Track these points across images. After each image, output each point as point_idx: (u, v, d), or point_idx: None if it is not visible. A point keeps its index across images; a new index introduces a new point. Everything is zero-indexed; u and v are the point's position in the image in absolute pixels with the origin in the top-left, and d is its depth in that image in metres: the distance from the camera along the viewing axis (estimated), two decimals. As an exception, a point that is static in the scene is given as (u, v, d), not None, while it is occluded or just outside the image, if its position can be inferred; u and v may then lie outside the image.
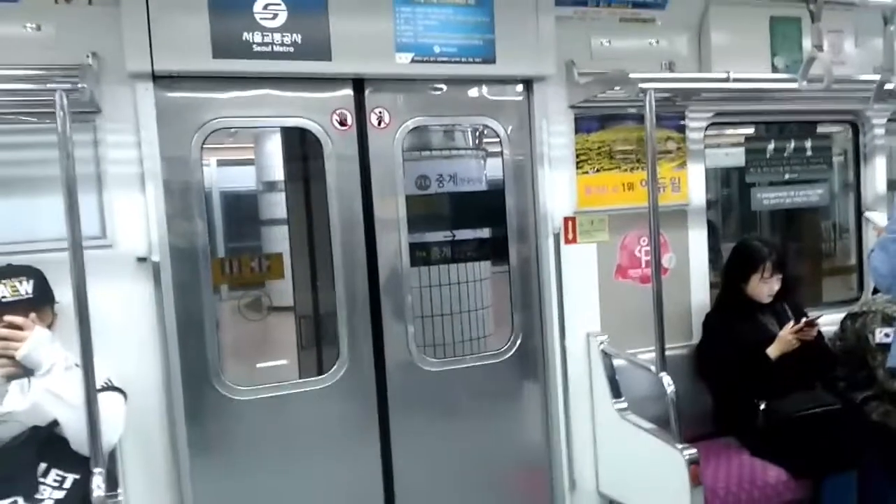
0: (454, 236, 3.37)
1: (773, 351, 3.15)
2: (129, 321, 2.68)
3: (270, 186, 5.70)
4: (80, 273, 2.09)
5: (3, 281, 2.28)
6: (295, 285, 3.52)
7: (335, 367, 2.98)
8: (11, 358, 2.15)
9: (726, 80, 3.09)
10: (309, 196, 3.44)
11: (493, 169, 3.35)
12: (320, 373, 3.05)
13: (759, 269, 3.28)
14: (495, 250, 3.48)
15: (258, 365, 4.12)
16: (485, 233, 3.48)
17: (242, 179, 6.41)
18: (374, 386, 3.06)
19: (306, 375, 3.22)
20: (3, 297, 2.26)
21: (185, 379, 2.74)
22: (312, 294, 3.50)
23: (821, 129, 4.07)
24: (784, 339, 3.15)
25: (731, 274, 3.43)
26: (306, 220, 3.48)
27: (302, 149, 3.43)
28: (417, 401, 3.12)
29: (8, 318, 2.18)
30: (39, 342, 2.17)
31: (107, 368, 2.38)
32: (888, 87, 2.50)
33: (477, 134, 3.56)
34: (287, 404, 2.91)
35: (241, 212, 6.42)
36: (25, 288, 2.30)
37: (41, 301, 2.34)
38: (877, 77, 3.00)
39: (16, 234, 2.52)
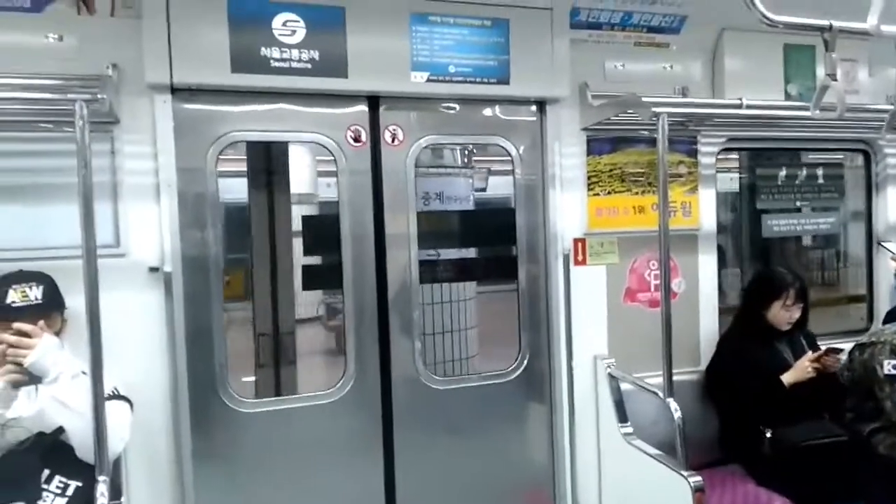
0: (438, 255, 3.30)
1: (788, 378, 3.13)
2: (138, 330, 2.69)
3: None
4: (93, 281, 2.11)
5: (14, 286, 2.31)
6: (255, 301, 3.48)
7: (341, 381, 2.98)
8: (19, 364, 2.16)
9: (739, 106, 3.11)
10: (273, 210, 3.45)
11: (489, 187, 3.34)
12: (278, 394, 3.02)
13: (782, 296, 3.28)
14: (484, 270, 3.47)
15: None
16: (470, 252, 3.43)
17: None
18: (379, 401, 3.05)
19: (263, 395, 3.26)
20: (13, 302, 2.28)
21: (191, 389, 2.75)
22: (273, 311, 3.48)
23: (831, 157, 4.07)
24: (801, 368, 3.14)
25: (752, 299, 3.43)
26: (269, 235, 3.48)
27: (267, 162, 3.45)
28: (422, 418, 3.12)
29: (17, 325, 2.19)
30: (47, 350, 2.18)
31: (113, 377, 2.39)
32: None
33: (466, 153, 3.58)
34: (292, 417, 2.91)
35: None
36: (35, 294, 2.32)
37: (50, 307, 2.36)
38: (890, 106, 3.00)
39: (31, 240, 2.55)
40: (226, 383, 2.82)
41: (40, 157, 2.59)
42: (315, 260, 3.16)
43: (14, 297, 2.29)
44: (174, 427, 2.73)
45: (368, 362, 3.03)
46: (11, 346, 2.16)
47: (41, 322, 2.26)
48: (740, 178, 4.07)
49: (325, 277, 3.20)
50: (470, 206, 3.65)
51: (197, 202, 2.77)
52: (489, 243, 3.45)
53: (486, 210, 3.60)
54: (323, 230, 3.08)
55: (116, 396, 2.37)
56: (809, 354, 3.19)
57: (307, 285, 3.23)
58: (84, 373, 2.25)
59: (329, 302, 3.72)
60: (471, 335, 3.64)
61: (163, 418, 2.72)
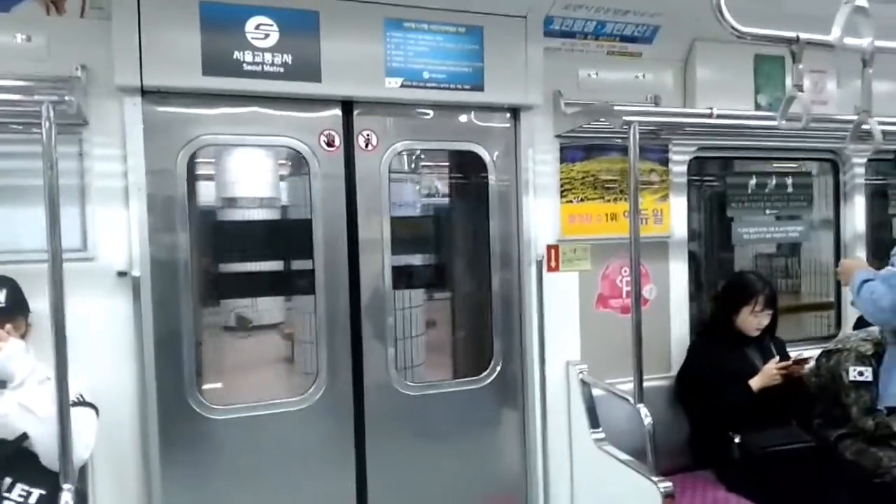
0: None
1: (755, 382, 3.17)
2: (106, 335, 2.66)
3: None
4: (59, 285, 2.07)
5: None
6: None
7: (313, 388, 2.96)
8: None
9: (710, 115, 3.14)
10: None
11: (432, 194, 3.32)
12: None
13: (751, 302, 3.31)
14: (431, 278, 3.43)
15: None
16: (416, 259, 3.43)
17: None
18: (351, 408, 3.04)
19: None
20: None
21: (160, 395, 2.72)
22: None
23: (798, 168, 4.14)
24: (768, 373, 3.17)
25: (722, 304, 3.46)
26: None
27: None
28: (395, 424, 3.11)
29: None
30: (13, 354, 2.15)
31: (79, 383, 2.35)
32: (864, 127, 2.55)
33: (413, 158, 3.58)
34: (263, 424, 2.89)
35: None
36: None
37: (13, 311, 2.33)
38: (856, 117, 3.06)
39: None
40: (194, 389, 2.79)
41: (7, 158, 2.55)
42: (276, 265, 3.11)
43: None
44: (142, 434, 2.70)
45: (340, 368, 3.01)
46: None
47: (8, 326, 2.22)
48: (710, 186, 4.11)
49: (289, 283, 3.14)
50: (416, 212, 3.64)
51: (166, 206, 2.73)
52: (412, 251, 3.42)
53: (411, 217, 3.57)
54: (283, 235, 3.06)
55: (82, 403, 2.34)
56: (774, 361, 3.22)
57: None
58: (49, 378, 2.21)
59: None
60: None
61: (130, 425, 2.68)
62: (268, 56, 2.73)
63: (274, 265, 3.22)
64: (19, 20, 2.54)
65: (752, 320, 3.34)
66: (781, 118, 2.40)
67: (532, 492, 3.34)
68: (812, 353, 3.44)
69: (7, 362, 2.14)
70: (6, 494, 2.12)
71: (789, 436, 3.20)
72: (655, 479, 2.67)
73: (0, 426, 2.13)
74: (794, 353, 3.40)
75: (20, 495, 2.14)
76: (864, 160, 4.02)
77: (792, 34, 2.14)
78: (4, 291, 2.31)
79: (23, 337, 2.32)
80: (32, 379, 2.17)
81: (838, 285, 4.15)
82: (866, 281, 2.75)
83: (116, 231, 2.67)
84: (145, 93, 2.65)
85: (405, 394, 3.12)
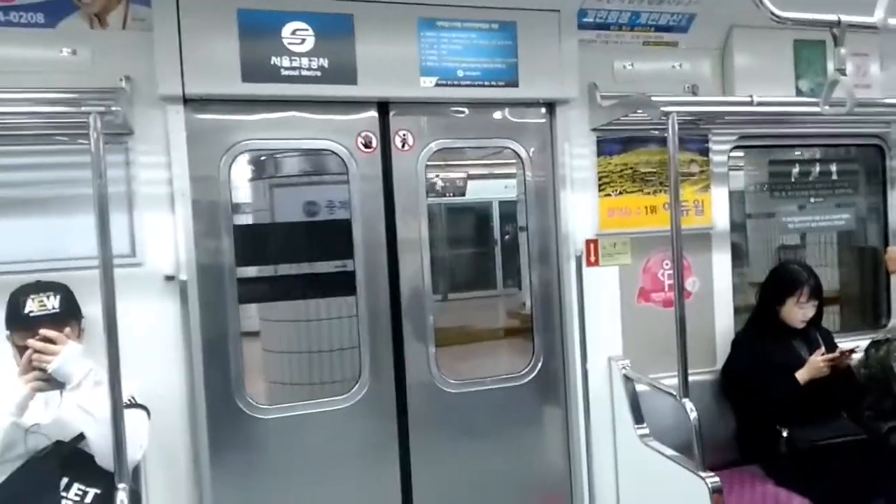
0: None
1: (802, 375, 3.10)
2: (155, 338, 2.72)
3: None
4: (110, 291, 2.13)
5: (32, 296, 2.33)
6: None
7: (356, 386, 3.00)
8: (44, 370, 2.19)
9: (750, 103, 3.08)
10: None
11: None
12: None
13: (796, 293, 3.23)
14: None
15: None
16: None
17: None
18: (394, 406, 3.07)
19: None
20: (31, 311, 2.31)
21: (208, 396, 2.78)
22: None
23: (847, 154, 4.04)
24: (815, 365, 3.10)
25: (766, 296, 3.38)
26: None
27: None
28: (437, 422, 3.12)
29: (43, 331, 2.22)
30: (71, 356, 2.21)
31: (130, 385, 2.41)
32: None
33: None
34: (309, 423, 2.93)
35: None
36: (52, 303, 2.34)
37: (68, 316, 2.38)
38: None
39: (49, 251, 2.59)
40: (242, 389, 2.85)
41: (56, 169, 2.63)
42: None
43: (32, 306, 2.32)
44: (192, 434, 2.76)
45: (382, 367, 3.04)
46: (37, 351, 2.18)
47: (67, 329, 2.29)
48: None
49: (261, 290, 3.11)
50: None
51: (211, 210, 2.79)
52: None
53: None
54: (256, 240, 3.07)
55: (134, 405, 2.40)
56: (822, 351, 3.15)
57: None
58: (103, 381, 2.27)
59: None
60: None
61: (180, 426, 2.75)
62: (304, 60, 2.77)
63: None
64: (64, 35, 2.62)
65: (798, 312, 3.26)
66: (824, 103, 2.35)
67: (577, 488, 3.32)
68: (860, 343, 3.36)
69: (66, 365, 2.19)
70: (63, 494, 2.17)
71: (839, 429, 3.14)
72: (703, 474, 2.64)
73: (58, 427, 2.20)
74: (841, 343, 3.33)
75: (76, 494, 2.19)
76: (912, 144, 3.91)
77: (833, 17, 2.10)
78: (59, 297, 2.37)
79: (78, 340, 2.39)
80: (88, 381, 2.23)
81: (887, 273, 4.05)
82: None
83: (163, 236, 2.73)
84: (187, 101, 2.71)
85: (447, 391, 3.14)
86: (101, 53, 2.64)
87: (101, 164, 2.12)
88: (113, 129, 2.46)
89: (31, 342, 2.19)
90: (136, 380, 2.45)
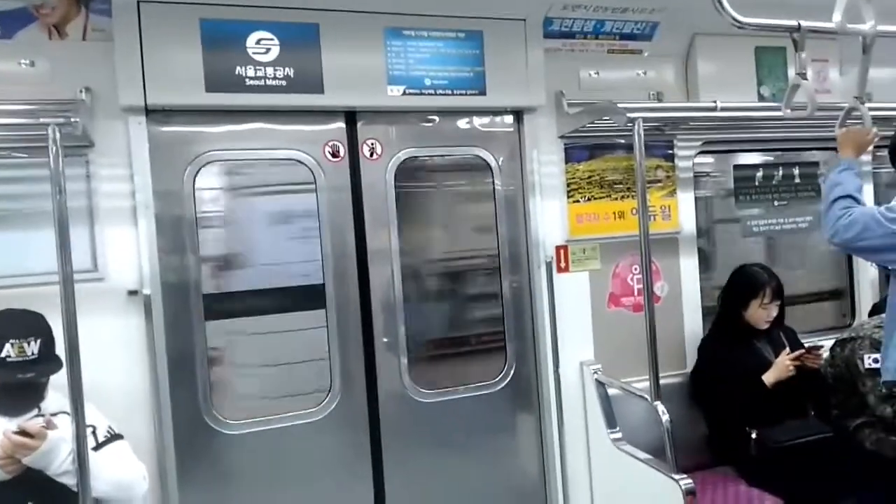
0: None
1: (769, 377, 3.13)
2: (118, 354, 2.66)
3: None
4: (71, 306, 2.08)
5: (12, 341, 2.21)
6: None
7: (326, 399, 2.96)
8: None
9: (713, 108, 3.14)
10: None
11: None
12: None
13: (759, 294, 3.27)
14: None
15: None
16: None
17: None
18: (366, 418, 3.04)
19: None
20: (8, 356, 2.20)
21: (175, 413, 2.72)
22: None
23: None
24: (781, 366, 3.14)
25: (729, 299, 3.42)
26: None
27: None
28: (410, 432, 3.10)
29: (22, 424, 2.10)
30: (50, 450, 2.10)
31: (103, 416, 2.38)
32: (855, 113, 2.55)
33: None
34: (279, 438, 2.88)
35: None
36: (32, 349, 2.23)
37: (45, 363, 2.27)
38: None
39: (8, 266, 2.52)
40: (210, 405, 2.79)
41: (16, 183, 2.57)
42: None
43: (10, 351, 2.20)
44: (158, 453, 2.70)
45: (354, 379, 3.01)
46: (16, 444, 2.07)
47: (49, 418, 2.18)
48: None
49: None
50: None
51: (175, 224, 2.75)
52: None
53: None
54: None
55: (115, 436, 2.37)
56: (787, 352, 3.19)
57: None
58: (112, 433, 2.36)
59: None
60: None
61: (147, 444, 2.68)
62: (269, 70, 2.74)
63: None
64: (22, 46, 2.56)
65: (762, 313, 3.29)
66: (786, 106, 2.40)
67: (551, 494, 3.32)
68: (825, 342, 3.41)
69: (42, 458, 2.09)
70: None
71: (807, 428, 3.18)
72: (676, 476, 2.65)
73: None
74: (805, 341, 3.38)
75: None
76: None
77: (793, 22, 2.14)
78: (39, 343, 2.25)
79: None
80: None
81: (851, 276, 4.13)
82: (845, 197, 2.46)
83: (126, 250, 2.68)
84: (150, 112, 2.67)
85: (419, 401, 3.12)
86: (60, 65, 2.59)
87: (61, 177, 2.08)
88: (73, 142, 2.40)
89: (9, 435, 2.07)
90: (96, 397, 2.38)
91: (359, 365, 3.02)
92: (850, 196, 2.47)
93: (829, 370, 3.32)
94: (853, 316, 4.09)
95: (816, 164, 4.11)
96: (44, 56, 2.58)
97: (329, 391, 2.97)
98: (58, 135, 2.08)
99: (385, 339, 3.07)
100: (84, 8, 2.60)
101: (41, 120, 2.15)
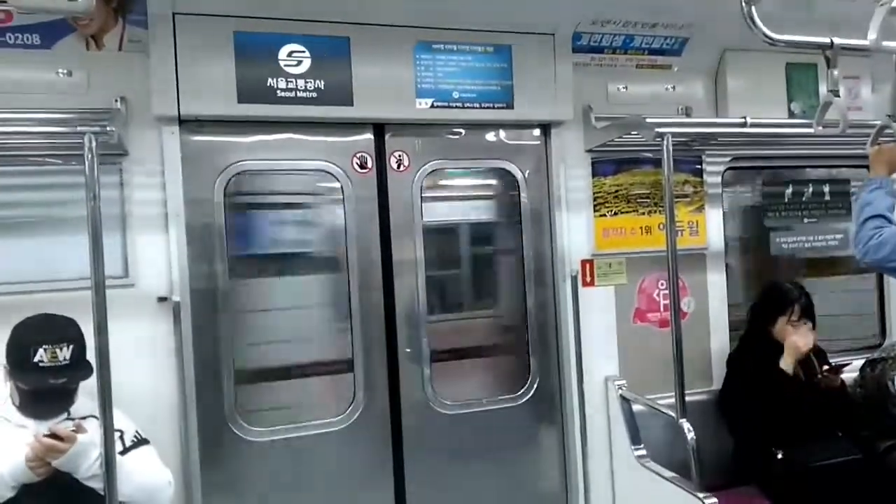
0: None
1: (785, 360, 3.10)
2: (147, 360, 2.69)
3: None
4: (102, 311, 2.12)
5: (45, 347, 2.23)
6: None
7: (350, 409, 2.97)
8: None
9: (743, 124, 3.11)
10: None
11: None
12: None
13: (786, 311, 3.23)
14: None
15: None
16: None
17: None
18: (389, 428, 3.04)
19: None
20: (41, 361, 2.22)
21: (200, 419, 2.75)
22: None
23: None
24: (791, 346, 3.10)
25: (757, 315, 3.38)
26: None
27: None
28: (433, 443, 3.10)
29: (54, 428, 2.14)
30: (79, 453, 2.13)
31: (129, 420, 2.41)
32: (888, 131, 2.52)
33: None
34: (302, 446, 2.90)
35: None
36: (64, 354, 2.25)
37: (77, 369, 2.29)
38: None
39: (42, 272, 2.56)
40: (234, 413, 2.82)
41: (51, 189, 2.61)
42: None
43: (43, 356, 2.22)
44: (183, 457, 2.72)
45: (377, 389, 3.02)
46: (46, 447, 2.10)
47: (79, 422, 2.22)
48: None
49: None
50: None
51: (205, 232, 2.78)
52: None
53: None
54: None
55: (141, 441, 2.40)
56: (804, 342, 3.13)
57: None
58: (140, 437, 2.38)
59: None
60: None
61: (172, 449, 2.70)
62: (301, 82, 2.78)
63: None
64: (60, 56, 2.62)
65: (791, 331, 3.23)
66: (818, 124, 2.37)
67: (573, 510, 3.29)
68: (853, 361, 3.36)
69: (71, 461, 2.11)
70: None
71: (835, 449, 3.11)
72: (701, 495, 2.62)
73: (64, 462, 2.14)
74: (834, 361, 3.33)
75: None
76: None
77: (826, 39, 2.12)
78: (71, 349, 2.26)
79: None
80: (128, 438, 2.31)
81: (881, 294, 4.06)
82: (876, 217, 2.40)
83: (156, 258, 2.72)
84: (183, 122, 2.71)
85: (442, 413, 3.12)
86: (96, 75, 2.64)
87: (96, 184, 2.12)
88: (108, 150, 2.45)
89: (39, 438, 2.10)
90: (127, 400, 2.41)
91: (382, 375, 3.03)
92: (880, 216, 2.44)
93: (858, 391, 3.27)
94: (883, 336, 4.01)
95: (847, 181, 4.06)
96: (81, 66, 2.64)
97: (352, 400, 2.98)
98: (94, 143, 2.13)
99: (408, 350, 3.07)
100: (121, 19, 2.65)
101: (78, 128, 2.20)
